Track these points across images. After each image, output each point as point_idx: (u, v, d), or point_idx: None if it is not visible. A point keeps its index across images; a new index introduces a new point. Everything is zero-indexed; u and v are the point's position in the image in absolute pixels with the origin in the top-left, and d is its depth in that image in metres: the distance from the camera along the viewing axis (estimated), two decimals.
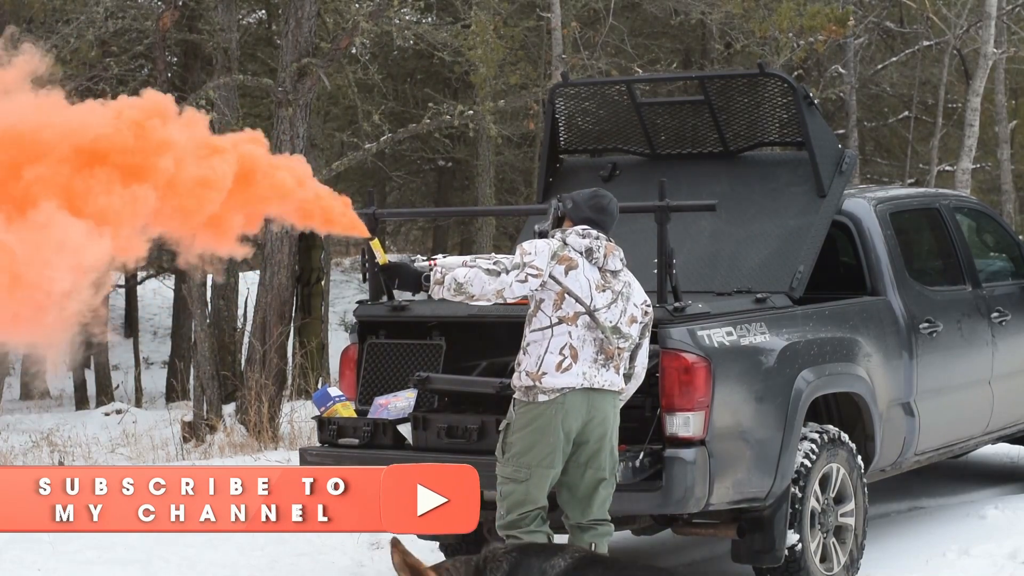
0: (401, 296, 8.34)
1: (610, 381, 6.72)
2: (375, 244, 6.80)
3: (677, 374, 7.18)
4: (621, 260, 6.80)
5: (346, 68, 17.67)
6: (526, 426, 6.68)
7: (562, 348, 6.65)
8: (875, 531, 9.01)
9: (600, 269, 6.72)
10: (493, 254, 6.80)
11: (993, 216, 10.24)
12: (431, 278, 6.58)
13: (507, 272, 6.55)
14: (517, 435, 6.71)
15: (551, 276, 6.64)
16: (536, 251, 6.65)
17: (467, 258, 6.94)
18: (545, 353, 6.65)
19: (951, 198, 9.83)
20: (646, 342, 6.90)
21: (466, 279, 6.53)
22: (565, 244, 6.73)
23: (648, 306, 6.87)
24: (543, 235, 6.90)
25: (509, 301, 6.66)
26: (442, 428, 7.45)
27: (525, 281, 6.59)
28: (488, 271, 6.53)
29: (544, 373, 6.64)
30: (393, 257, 6.97)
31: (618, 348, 6.73)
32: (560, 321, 6.65)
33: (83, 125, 5.25)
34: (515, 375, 6.76)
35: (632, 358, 6.86)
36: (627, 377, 6.87)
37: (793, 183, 8.51)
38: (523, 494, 6.70)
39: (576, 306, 6.65)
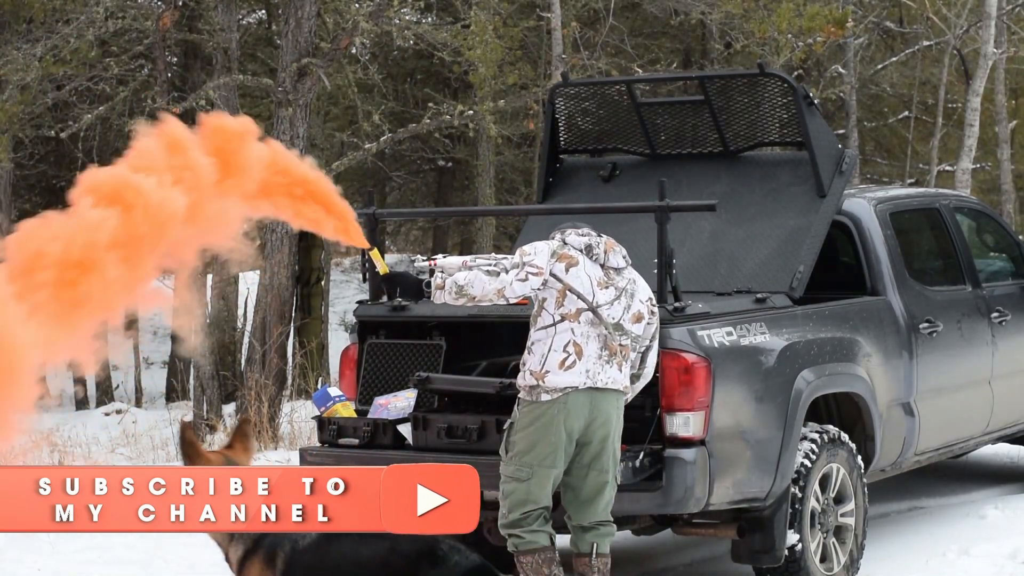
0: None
1: (613, 379, 6.73)
2: (375, 254, 6.79)
3: (677, 374, 7.18)
4: (624, 258, 6.82)
5: (346, 68, 17.66)
6: (529, 425, 6.69)
7: (566, 345, 6.66)
8: (875, 531, 9.01)
9: (602, 266, 6.74)
10: (493, 253, 6.83)
11: (993, 216, 10.24)
12: (432, 284, 6.60)
13: (506, 272, 6.58)
14: (520, 434, 6.72)
15: (552, 274, 6.65)
16: (535, 251, 6.68)
17: (467, 258, 6.95)
18: (549, 351, 6.67)
19: (951, 198, 9.83)
20: (656, 343, 6.92)
21: (467, 281, 6.55)
22: (564, 243, 6.76)
23: (653, 304, 6.88)
24: None
25: (511, 301, 6.68)
26: (442, 428, 7.45)
27: (525, 280, 6.60)
28: (488, 272, 6.56)
29: (547, 372, 6.66)
30: (392, 258, 6.97)
31: (621, 345, 6.73)
32: (563, 318, 6.67)
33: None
34: (520, 374, 6.78)
35: (643, 360, 6.88)
36: (635, 376, 6.88)
37: (793, 183, 8.51)
38: (525, 493, 6.71)
39: (578, 303, 6.66)
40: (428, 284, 6.64)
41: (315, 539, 5.81)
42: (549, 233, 7.00)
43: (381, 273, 6.77)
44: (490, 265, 6.62)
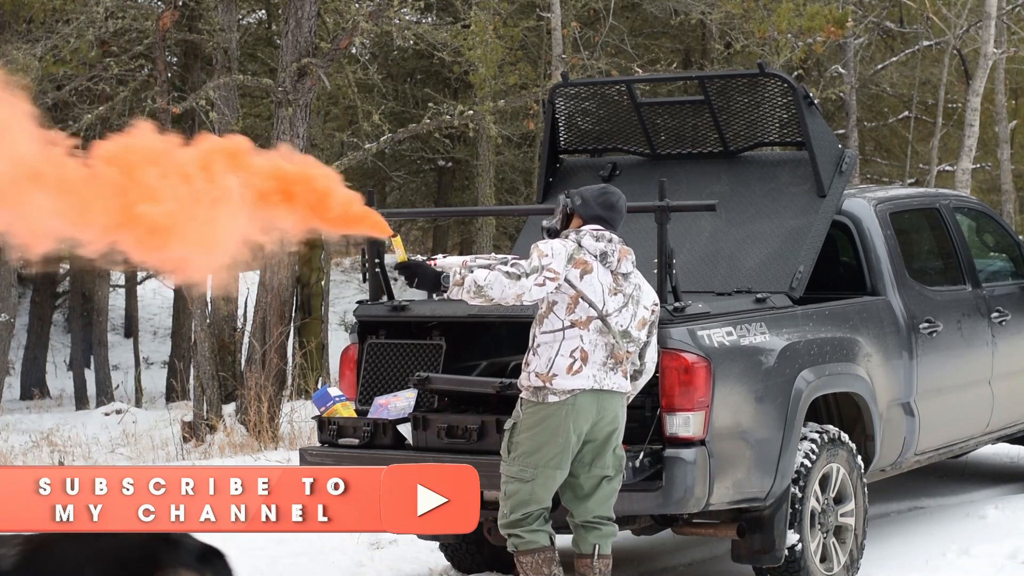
0: (401, 296, 8.34)
1: (618, 384, 6.73)
2: (397, 241, 6.73)
3: (677, 374, 7.18)
4: (632, 262, 6.80)
5: (346, 68, 17.67)
6: (535, 426, 6.68)
7: (573, 351, 6.65)
8: (875, 531, 9.01)
9: (612, 272, 6.72)
10: (492, 253, 6.79)
11: (993, 216, 10.24)
12: (450, 279, 6.54)
13: (526, 276, 6.53)
14: (525, 435, 6.70)
15: (566, 280, 6.63)
16: (553, 253, 6.63)
17: (467, 258, 6.92)
18: (556, 356, 6.65)
19: (951, 198, 9.83)
20: (654, 339, 6.92)
21: (487, 282, 6.50)
22: (580, 247, 6.71)
23: (656, 305, 6.88)
24: (552, 232, 6.88)
25: (526, 304, 6.66)
26: (442, 428, 7.44)
27: (543, 285, 6.58)
28: (508, 274, 6.51)
29: (555, 375, 6.64)
30: (391, 257, 6.94)
31: (627, 352, 6.73)
32: (572, 325, 6.65)
33: None
34: (523, 375, 6.75)
35: (640, 355, 6.86)
36: (636, 373, 6.87)
37: (793, 183, 8.51)
38: (528, 494, 6.70)
39: (589, 311, 6.64)
40: (446, 278, 6.58)
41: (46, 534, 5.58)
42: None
43: (400, 260, 6.69)
44: (503, 265, 6.58)
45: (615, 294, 6.71)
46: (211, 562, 5.74)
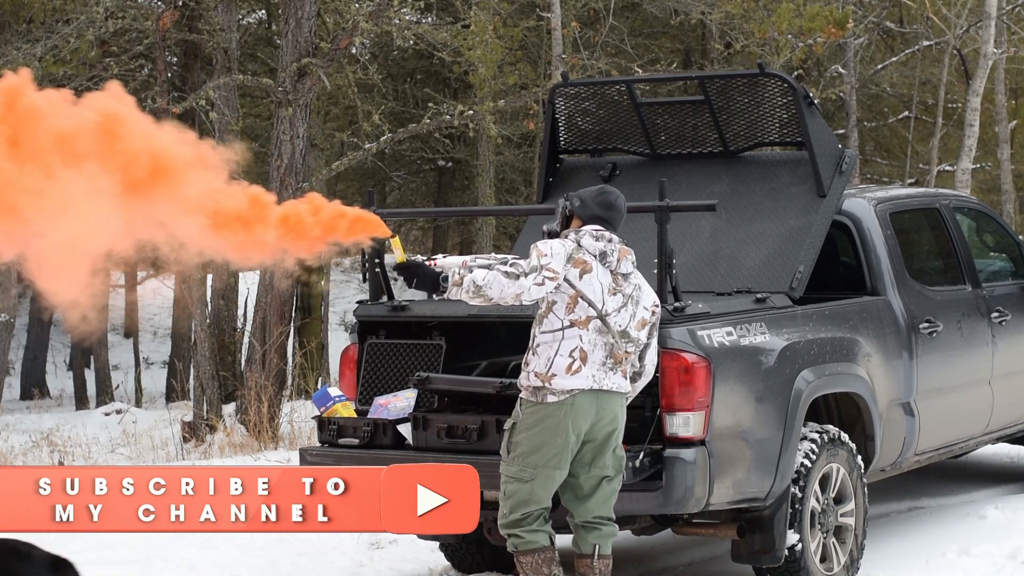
0: (401, 296, 8.33)
1: (618, 384, 6.73)
2: (395, 242, 6.73)
3: (677, 374, 7.18)
4: (632, 263, 6.80)
5: (346, 68, 17.67)
6: (534, 426, 6.68)
7: (572, 351, 6.65)
8: (875, 531, 9.01)
9: (612, 272, 6.72)
10: (492, 253, 6.79)
11: (993, 216, 10.24)
12: (449, 279, 6.54)
13: (525, 275, 6.53)
14: (524, 435, 6.70)
15: (566, 279, 6.63)
16: (552, 253, 6.63)
17: (467, 258, 6.92)
18: (555, 355, 6.65)
19: (951, 198, 9.83)
20: (654, 341, 6.91)
21: (485, 282, 6.50)
22: (580, 246, 6.71)
23: (656, 307, 6.88)
24: (552, 235, 6.88)
25: (525, 303, 6.66)
26: (442, 428, 7.44)
27: (542, 284, 6.57)
28: (507, 274, 6.51)
29: (554, 375, 6.64)
30: (391, 258, 6.93)
31: (626, 352, 6.73)
32: (572, 324, 6.65)
33: None
34: (523, 375, 6.75)
35: (640, 357, 6.86)
36: (636, 375, 6.87)
37: (793, 183, 8.51)
38: (527, 494, 6.70)
39: (588, 310, 6.64)
40: (445, 278, 6.57)
41: None
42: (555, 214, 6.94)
43: (399, 261, 6.68)
44: (501, 265, 6.58)
45: (614, 294, 6.71)
46: (63, 571, 5.63)
